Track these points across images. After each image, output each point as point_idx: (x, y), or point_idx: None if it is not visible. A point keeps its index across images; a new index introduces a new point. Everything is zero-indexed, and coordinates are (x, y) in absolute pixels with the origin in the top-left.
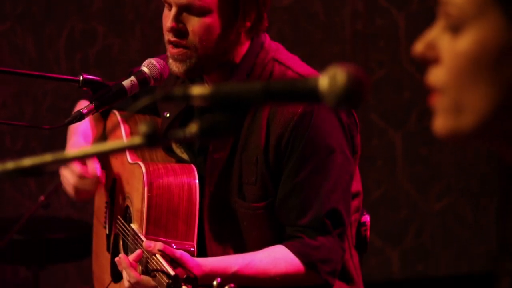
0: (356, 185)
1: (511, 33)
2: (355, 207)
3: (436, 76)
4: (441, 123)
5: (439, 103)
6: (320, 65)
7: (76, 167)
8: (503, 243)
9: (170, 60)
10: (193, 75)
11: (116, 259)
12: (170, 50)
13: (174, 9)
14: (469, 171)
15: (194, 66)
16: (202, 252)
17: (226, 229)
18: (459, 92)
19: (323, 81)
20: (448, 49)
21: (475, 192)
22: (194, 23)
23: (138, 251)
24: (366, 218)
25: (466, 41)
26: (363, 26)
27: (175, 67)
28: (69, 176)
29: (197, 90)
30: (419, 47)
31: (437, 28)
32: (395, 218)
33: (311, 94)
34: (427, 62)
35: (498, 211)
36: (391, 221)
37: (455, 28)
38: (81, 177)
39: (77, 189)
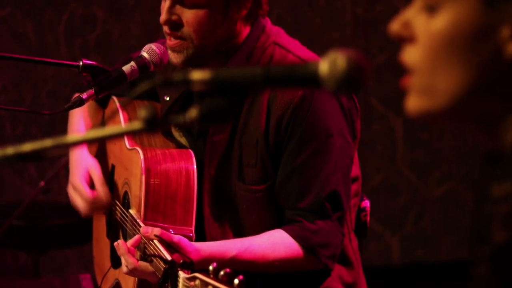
0: (355, 170)
1: (485, 15)
2: (354, 192)
3: (411, 55)
4: (413, 103)
5: (412, 83)
6: (320, 51)
7: (86, 192)
8: (476, 228)
9: (169, 51)
10: (191, 65)
11: (115, 243)
12: (168, 42)
13: (167, 2)
14: (469, 156)
15: (191, 56)
16: (201, 236)
17: (225, 213)
18: (432, 73)
19: (323, 65)
20: (423, 28)
21: (476, 177)
22: (187, 15)
23: (136, 237)
24: (366, 203)
25: (441, 21)
26: (363, 11)
27: (173, 57)
28: (79, 202)
29: (197, 74)
30: (395, 26)
31: (414, 7)
32: (395, 203)
33: (311, 79)
34: (403, 41)
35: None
36: (391, 207)
37: (431, 8)
38: (92, 203)
39: (87, 213)
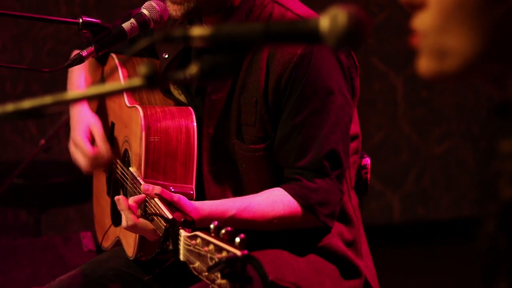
0: (355, 128)
1: None
2: (353, 149)
3: (422, 20)
4: (425, 65)
5: (422, 44)
6: (320, 9)
7: (87, 148)
8: (484, 184)
9: (168, 3)
10: (190, 18)
11: (115, 198)
12: None
13: None
14: (470, 114)
15: (192, 9)
16: (200, 195)
17: (225, 172)
18: (443, 35)
19: (324, 21)
20: None
21: (476, 135)
22: None
23: (140, 195)
24: (367, 161)
25: None
26: None
27: (173, 10)
28: (80, 158)
29: (197, 31)
30: None
31: None
32: (395, 162)
33: (312, 35)
34: (414, 7)
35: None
36: (392, 165)
37: None
38: (93, 159)
39: (88, 169)
